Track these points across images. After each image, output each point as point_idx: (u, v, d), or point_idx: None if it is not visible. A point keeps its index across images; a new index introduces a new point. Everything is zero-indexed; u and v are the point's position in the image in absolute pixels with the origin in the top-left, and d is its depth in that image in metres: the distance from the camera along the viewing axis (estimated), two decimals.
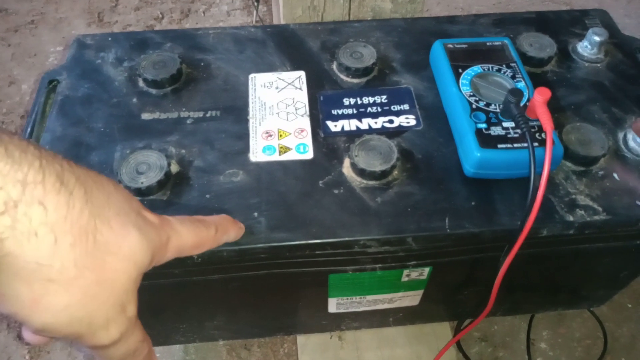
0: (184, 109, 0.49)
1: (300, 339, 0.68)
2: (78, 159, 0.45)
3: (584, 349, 0.73)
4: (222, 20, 1.24)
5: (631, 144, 0.47)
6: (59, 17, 1.25)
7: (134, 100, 0.50)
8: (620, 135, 0.48)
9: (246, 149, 0.46)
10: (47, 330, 0.26)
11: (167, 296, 0.48)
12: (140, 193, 0.42)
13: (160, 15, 1.24)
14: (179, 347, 0.74)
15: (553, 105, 0.48)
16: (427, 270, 0.48)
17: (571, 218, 0.43)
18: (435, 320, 0.66)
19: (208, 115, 0.49)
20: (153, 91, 0.50)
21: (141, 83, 0.51)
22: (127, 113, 0.49)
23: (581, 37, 0.55)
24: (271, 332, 0.66)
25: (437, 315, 0.63)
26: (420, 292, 0.52)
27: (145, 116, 0.49)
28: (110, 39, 0.56)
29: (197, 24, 1.23)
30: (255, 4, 1.12)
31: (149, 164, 0.43)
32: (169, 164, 0.43)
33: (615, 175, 0.45)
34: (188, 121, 0.48)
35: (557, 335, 0.74)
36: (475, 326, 0.54)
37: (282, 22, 0.65)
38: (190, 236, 0.33)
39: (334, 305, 0.53)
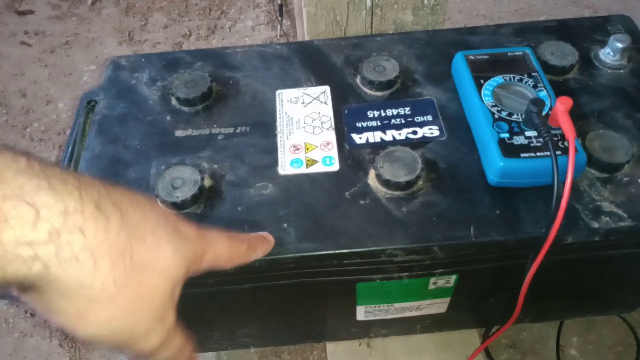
0: (215, 126, 0.51)
1: (330, 346, 0.69)
2: (116, 176, 0.48)
3: (615, 356, 0.72)
4: (248, 36, 1.28)
5: None
6: (92, 37, 1.30)
7: (168, 118, 0.52)
8: None
9: (275, 162, 0.48)
10: (92, 340, 0.28)
11: (201, 305, 0.50)
12: (176, 207, 0.44)
13: (188, 33, 1.28)
14: (211, 354, 0.76)
15: (576, 113, 0.49)
16: (453, 278, 0.48)
17: (596, 225, 0.43)
18: (463, 328, 0.66)
19: (238, 130, 0.51)
20: (185, 109, 0.53)
21: (174, 101, 0.53)
22: (161, 130, 0.51)
23: (603, 43, 0.55)
24: (301, 340, 0.67)
25: (464, 322, 0.64)
26: (448, 299, 0.53)
27: (179, 133, 0.51)
28: (143, 59, 0.58)
29: (224, 39, 1.26)
30: (279, 18, 1.15)
31: (184, 179, 0.45)
32: (202, 179, 0.45)
33: None
34: (219, 137, 0.50)
35: (587, 341, 0.74)
36: (503, 333, 0.54)
37: (306, 37, 0.67)
38: (225, 250, 0.35)
39: (362, 313, 0.54)
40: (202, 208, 0.45)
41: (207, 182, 0.46)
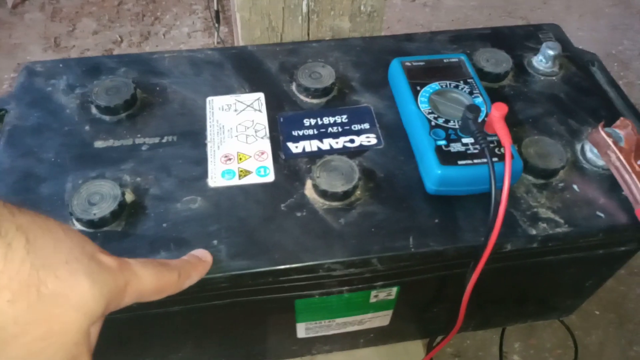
0: (139, 135, 0.48)
1: None
2: (27, 192, 0.43)
3: (555, 358, 0.74)
4: (183, 42, 1.23)
5: (589, 155, 0.47)
6: (14, 43, 1.22)
7: (87, 128, 0.48)
8: (578, 147, 0.48)
9: (204, 174, 0.45)
10: None
11: (127, 330, 0.46)
12: (93, 225, 0.40)
13: (120, 39, 1.22)
14: None
15: (511, 120, 0.49)
16: (394, 290, 0.47)
17: (534, 231, 0.43)
18: (407, 339, 0.65)
19: (164, 140, 0.47)
20: (106, 118, 0.49)
21: (94, 110, 0.49)
22: (79, 142, 0.47)
23: (536, 51, 0.56)
24: None
25: (408, 334, 0.63)
26: (390, 312, 0.51)
27: (99, 144, 0.47)
28: (61, 65, 0.54)
29: (158, 46, 1.22)
30: (216, 25, 1.11)
31: (102, 194, 0.41)
32: (123, 194, 0.42)
33: (574, 186, 0.46)
34: (143, 148, 0.47)
35: (529, 346, 0.75)
36: (447, 342, 0.54)
37: (241, 43, 0.65)
38: (152, 281, 0.32)
39: (302, 330, 0.52)
40: (123, 225, 0.41)
41: (129, 197, 0.43)
